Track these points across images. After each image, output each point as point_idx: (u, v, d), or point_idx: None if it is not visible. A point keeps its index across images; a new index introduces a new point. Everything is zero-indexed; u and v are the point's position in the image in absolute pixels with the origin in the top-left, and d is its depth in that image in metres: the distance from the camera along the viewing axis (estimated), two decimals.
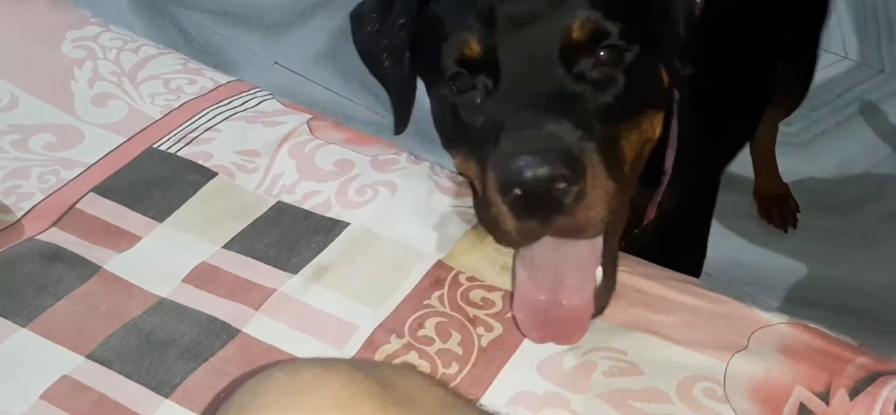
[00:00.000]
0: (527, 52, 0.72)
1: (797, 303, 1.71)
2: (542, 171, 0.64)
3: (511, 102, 0.71)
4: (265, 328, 0.80)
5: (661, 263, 0.88)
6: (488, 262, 0.84)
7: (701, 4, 0.83)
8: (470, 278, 0.83)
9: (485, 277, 0.83)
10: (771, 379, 0.72)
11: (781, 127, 2.01)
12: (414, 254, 0.85)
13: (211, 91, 1.03)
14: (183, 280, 0.86)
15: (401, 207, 0.89)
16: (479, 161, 0.74)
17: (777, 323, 0.78)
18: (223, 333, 0.81)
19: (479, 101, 0.75)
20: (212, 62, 2.18)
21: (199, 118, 0.99)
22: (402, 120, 0.85)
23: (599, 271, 0.75)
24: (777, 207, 1.87)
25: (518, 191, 0.65)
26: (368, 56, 0.88)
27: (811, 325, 0.77)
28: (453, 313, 0.81)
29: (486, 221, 0.73)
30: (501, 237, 0.72)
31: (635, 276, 0.81)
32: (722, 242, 1.80)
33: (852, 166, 1.96)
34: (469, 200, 0.89)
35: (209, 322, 0.82)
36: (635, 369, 0.74)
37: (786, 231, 1.85)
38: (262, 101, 1.02)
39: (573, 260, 0.74)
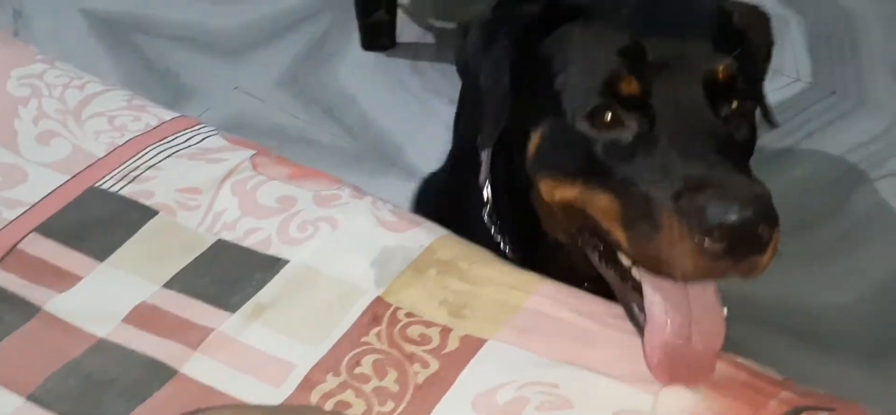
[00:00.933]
0: (681, 94, 0.75)
1: (753, 324, 1.72)
2: (750, 214, 0.67)
3: (677, 145, 0.73)
4: (203, 368, 0.81)
5: None
6: (427, 297, 0.85)
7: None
8: (408, 314, 0.84)
9: (423, 313, 0.84)
10: (697, 414, 0.73)
11: None
12: (353, 290, 0.85)
13: (155, 128, 1.03)
14: (123, 320, 0.86)
15: (341, 244, 0.89)
16: (629, 199, 0.74)
17: None
18: (161, 373, 0.81)
19: (629, 139, 0.76)
20: (172, 88, 2.18)
21: (143, 156, 1.00)
22: (488, 137, 0.86)
23: (725, 310, 0.78)
24: None
25: (721, 235, 0.67)
26: (467, 71, 0.90)
27: (738, 359, 0.78)
28: (390, 350, 0.81)
29: (646, 256, 0.73)
30: (668, 272, 0.72)
31: (571, 311, 0.82)
32: None
33: (806, 187, 1.99)
34: (411, 235, 0.90)
35: (148, 363, 0.82)
36: (567, 403, 0.75)
37: None
38: (206, 138, 1.02)
39: (704, 302, 0.76)
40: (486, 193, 1.01)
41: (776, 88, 2.21)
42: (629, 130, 0.77)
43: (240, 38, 2.35)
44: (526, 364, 0.78)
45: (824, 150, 2.07)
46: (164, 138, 1.01)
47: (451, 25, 2.37)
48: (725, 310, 0.77)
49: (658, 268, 0.72)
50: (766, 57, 0.94)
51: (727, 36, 0.82)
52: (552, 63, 0.81)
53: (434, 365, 0.80)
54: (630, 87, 0.76)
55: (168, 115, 1.06)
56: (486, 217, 1.01)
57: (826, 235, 1.89)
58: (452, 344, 0.81)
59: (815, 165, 2.04)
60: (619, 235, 0.76)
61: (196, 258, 0.90)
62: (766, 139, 2.05)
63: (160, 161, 0.98)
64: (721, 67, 0.76)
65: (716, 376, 0.75)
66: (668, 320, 0.75)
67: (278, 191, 0.95)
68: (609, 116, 0.77)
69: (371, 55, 2.31)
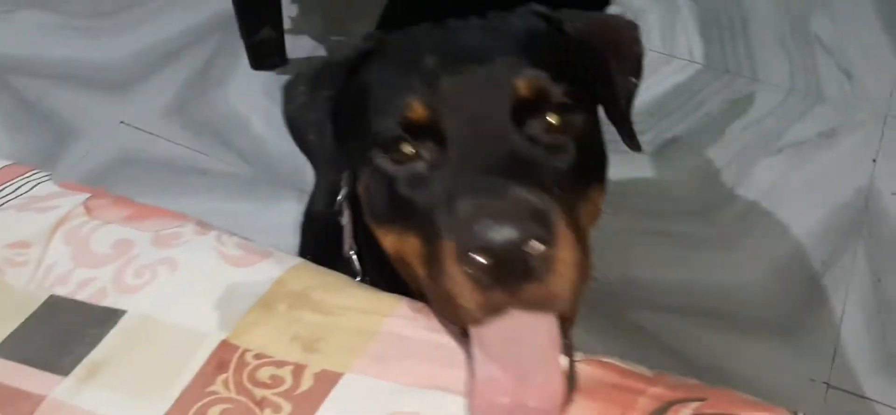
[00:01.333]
0: (475, 115, 0.69)
1: (662, 311, 1.71)
2: (513, 231, 0.59)
3: (465, 168, 0.67)
4: None
5: None
6: (277, 334, 0.79)
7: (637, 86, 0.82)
8: (257, 355, 0.77)
9: (274, 353, 0.77)
10: None
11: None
12: (195, 336, 0.79)
13: None
14: None
15: (181, 287, 0.82)
16: (425, 235, 0.68)
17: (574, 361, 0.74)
18: None
19: (424, 171, 0.71)
20: (55, 129, 2.08)
21: None
22: (324, 191, 0.86)
23: (564, 360, 0.66)
24: None
25: (483, 257, 0.60)
26: (295, 129, 0.84)
27: (605, 359, 0.73)
28: (239, 397, 0.75)
29: (439, 298, 0.66)
30: (457, 316, 0.65)
31: (427, 329, 0.77)
32: None
33: (706, 171, 1.99)
34: (258, 269, 0.84)
35: None
36: None
37: None
38: (37, 185, 0.94)
39: (537, 352, 0.64)
40: (345, 225, 0.95)
41: (670, 73, 2.21)
42: (423, 159, 0.71)
43: (122, 70, 2.26)
44: (384, 394, 0.73)
45: (722, 130, 2.07)
46: None
47: (342, 38, 2.31)
48: (565, 361, 0.66)
49: (448, 312, 0.66)
50: (634, 71, 0.84)
51: (549, 50, 0.76)
52: (365, 103, 0.76)
53: (286, 408, 0.74)
54: (416, 113, 0.71)
55: None
56: (346, 248, 0.96)
57: (728, 216, 1.89)
58: (306, 383, 0.75)
59: (713, 146, 2.04)
60: (423, 279, 0.70)
61: (26, 320, 0.82)
62: (665, 125, 2.07)
63: None
64: (522, 83, 0.70)
65: (586, 381, 0.70)
66: (494, 378, 0.64)
67: (114, 235, 0.88)
68: (405, 148, 0.72)
69: (261, 75, 2.24)
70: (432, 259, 0.66)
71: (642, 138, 1.97)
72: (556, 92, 0.71)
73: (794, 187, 1.94)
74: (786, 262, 1.80)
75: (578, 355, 0.71)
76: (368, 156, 0.74)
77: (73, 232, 0.88)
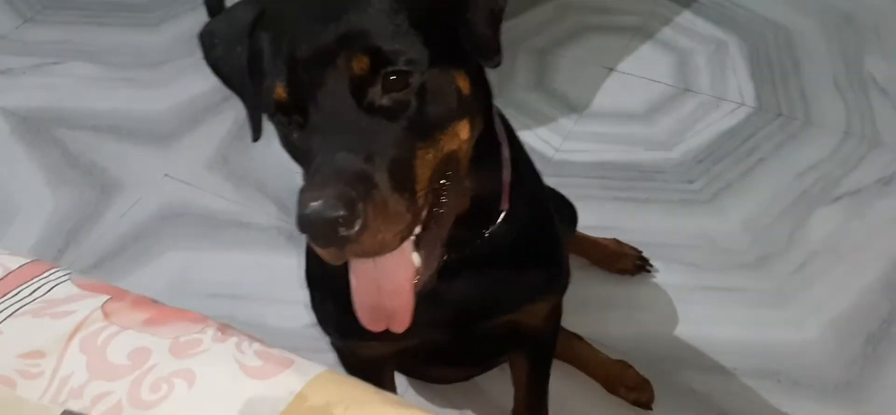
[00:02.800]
0: (323, 91, 0.79)
1: (718, 373, 1.63)
2: (322, 216, 0.73)
3: (315, 138, 0.80)
4: None
5: (524, 266, 1.08)
6: None
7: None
8: None
9: None
10: None
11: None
12: None
13: (0, 280, 0.93)
14: None
15: (198, 403, 0.79)
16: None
17: None
18: None
19: (297, 132, 0.83)
20: (99, 183, 2.09)
21: None
22: (256, 128, 0.93)
23: (416, 257, 0.85)
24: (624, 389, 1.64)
25: (309, 229, 0.75)
26: (221, 75, 0.95)
27: None
28: None
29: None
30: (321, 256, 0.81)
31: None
32: (636, 317, 1.74)
33: (759, 219, 1.90)
34: (279, 381, 0.80)
35: None
36: None
37: None
38: (55, 286, 0.92)
39: (389, 269, 0.84)
40: None
41: (720, 117, 2.14)
42: (298, 124, 0.83)
43: (166, 123, 2.27)
44: None
45: (776, 176, 1.99)
46: (8, 293, 0.91)
47: None
48: (416, 256, 0.85)
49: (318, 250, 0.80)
50: (492, 6, 0.87)
51: (390, 11, 0.82)
52: (260, 62, 0.85)
53: None
54: (281, 94, 0.81)
55: (16, 262, 0.96)
56: None
57: (783, 270, 1.80)
58: None
59: (767, 194, 1.96)
60: None
61: None
62: (716, 171, 1.99)
63: (1, 322, 0.87)
64: (354, 62, 0.79)
65: None
66: (360, 288, 0.88)
67: (132, 343, 0.84)
68: (282, 115, 0.83)
69: None
70: None
71: (691, 187, 1.93)
72: (395, 59, 0.79)
73: (852, 238, 1.85)
74: (844, 319, 1.71)
75: None
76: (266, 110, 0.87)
77: (90, 339, 0.85)
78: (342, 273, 1.06)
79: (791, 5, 2.45)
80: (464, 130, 0.87)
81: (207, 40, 0.94)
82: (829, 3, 2.46)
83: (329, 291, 1.15)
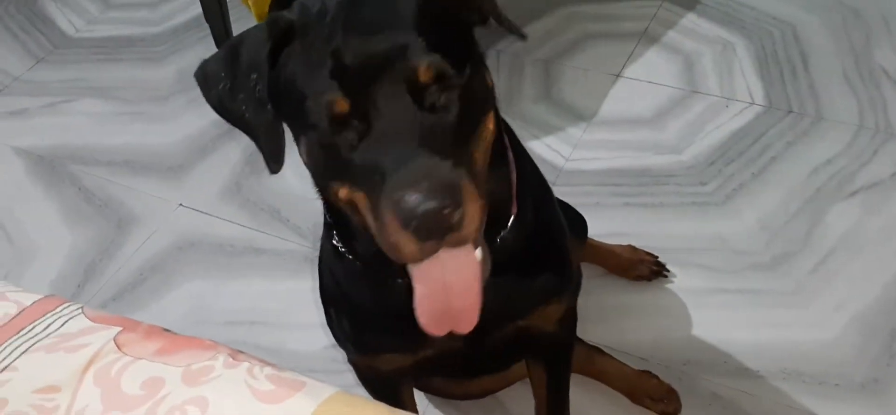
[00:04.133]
0: (384, 97, 0.82)
1: (741, 377, 1.62)
2: (430, 206, 0.77)
3: (384, 144, 0.81)
4: None
5: (533, 271, 1.10)
6: None
7: None
8: None
9: None
10: None
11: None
12: None
13: (14, 318, 0.94)
14: None
15: None
16: (368, 194, 0.83)
17: None
18: None
19: (356, 141, 0.83)
20: (115, 217, 2.10)
21: None
22: (275, 159, 0.91)
23: (479, 252, 0.87)
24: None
25: (415, 224, 0.77)
26: (225, 110, 0.93)
27: None
28: None
29: (386, 246, 0.83)
30: (400, 259, 0.83)
31: None
32: (655, 323, 1.72)
33: (775, 219, 1.89)
34: (290, 405, 0.80)
35: None
36: None
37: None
38: (68, 320, 0.93)
39: (457, 268, 0.86)
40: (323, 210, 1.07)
41: (730, 117, 2.13)
42: (357, 133, 0.83)
43: (178, 154, 2.28)
44: None
45: (789, 174, 1.97)
46: (22, 330, 0.92)
47: None
48: (479, 253, 0.87)
49: (394, 254, 0.82)
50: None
51: (432, 17, 0.86)
52: (295, 82, 0.86)
53: None
54: (342, 107, 0.82)
55: (29, 298, 0.97)
56: (333, 237, 1.07)
57: (801, 270, 1.78)
58: None
59: (781, 192, 1.94)
60: (373, 227, 0.84)
61: None
62: (728, 173, 1.98)
63: (16, 359, 0.88)
64: (421, 68, 0.83)
65: None
66: (429, 293, 0.87)
67: (145, 372, 0.85)
68: (339, 127, 0.84)
69: None
70: (377, 215, 0.82)
71: (704, 189, 1.92)
72: (445, 69, 0.83)
73: (870, 234, 1.83)
74: (867, 315, 1.69)
75: None
76: (309, 126, 0.86)
77: (104, 371, 0.85)
78: (356, 290, 1.08)
79: (796, 2, 2.44)
80: (491, 121, 0.92)
81: (202, 79, 0.94)
82: None
83: (344, 309, 1.16)
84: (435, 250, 0.81)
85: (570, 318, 1.29)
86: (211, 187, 2.19)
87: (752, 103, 2.16)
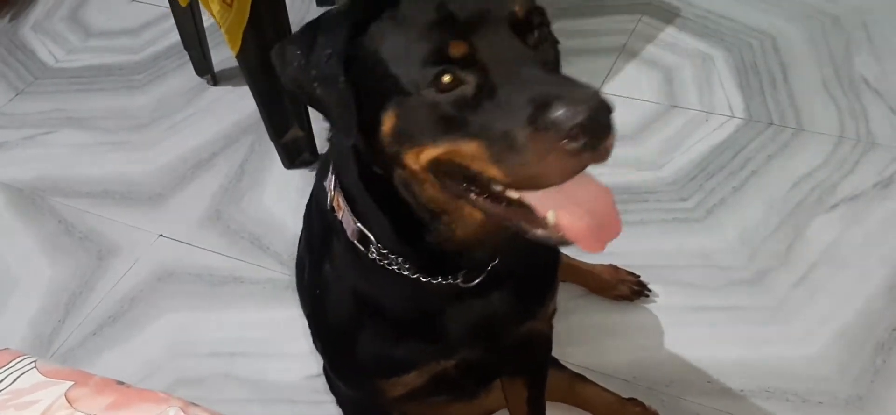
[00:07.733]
0: (496, 42, 0.85)
1: (723, 396, 1.60)
2: (609, 110, 0.78)
3: (511, 80, 0.83)
4: None
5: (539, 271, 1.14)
6: None
7: None
8: None
9: None
10: None
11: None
12: None
13: None
14: None
15: None
16: (492, 139, 0.83)
17: None
18: None
19: (470, 92, 0.84)
20: (95, 249, 2.09)
21: None
22: (348, 130, 0.93)
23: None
24: None
25: (592, 129, 0.77)
26: (299, 87, 0.94)
27: None
28: None
29: (522, 178, 0.83)
30: (543, 184, 0.83)
31: None
32: (637, 343, 1.71)
33: (756, 233, 1.87)
34: None
35: None
36: None
37: None
38: (21, 375, 0.91)
39: (584, 187, 0.86)
40: (331, 192, 1.06)
41: (711, 131, 2.11)
42: (469, 83, 0.85)
43: (157, 183, 2.27)
44: None
45: (770, 188, 1.96)
46: None
47: None
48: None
49: (535, 184, 0.83)
50: None
51: None
52: (379, 53, 0.88)
53: None
54: (460, 49, 0.84)
55: None
56: (349, 234, 1.05)
57: (784, 284, 1.77)
58: None
59: (762, 206, 1.92)
60: (492, 171, 0.84)
61: None
62: (709, 187, 1.97)
63: None
64: (517, 7, 0.87)
65: None
66: (577, 217, 0.86)
67: None
68: (447, 78, 0.85)
69: (295, 174, 2.22)
70: (508, 154, 0.82)
71: (685, 205, 1.90)
72: (533, 4, 0.89)
73: (853, 246, 1.81)
74: (850, 330, 1.67)
75: None
76: (401, 92, 0.87)
77: None
78: (390, 297, 1.09)
79: (775, 13, 2.43)
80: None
81: (279, 56, 0.95)
82: (813, 6, 2.43)
83: (369, 328, 1.13)
84: (587, 163, 0.81)
85: (553, 313, 1.30)
86: (191, 215, 2.17)
87: (733, 116, 2.15)
